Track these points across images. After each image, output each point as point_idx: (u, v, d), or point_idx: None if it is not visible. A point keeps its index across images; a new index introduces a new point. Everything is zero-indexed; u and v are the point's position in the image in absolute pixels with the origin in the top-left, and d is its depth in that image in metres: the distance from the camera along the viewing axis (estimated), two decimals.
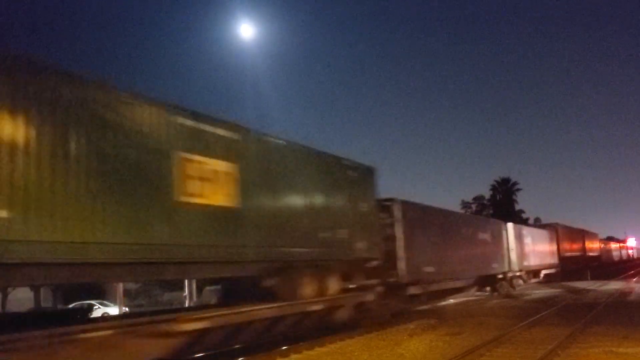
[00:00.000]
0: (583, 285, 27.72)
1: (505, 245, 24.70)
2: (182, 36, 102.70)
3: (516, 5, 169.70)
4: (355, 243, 12.45)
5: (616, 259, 68.92)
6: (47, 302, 21.09)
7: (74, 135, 6.62)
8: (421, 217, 16.81)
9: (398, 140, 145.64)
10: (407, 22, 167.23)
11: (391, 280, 14.54)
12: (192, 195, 8.23)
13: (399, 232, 15.08)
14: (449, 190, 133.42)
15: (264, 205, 10.00)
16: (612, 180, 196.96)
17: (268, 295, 10.28)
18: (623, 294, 22.05)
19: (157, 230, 7.61)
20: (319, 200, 11.65)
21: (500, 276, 23.84)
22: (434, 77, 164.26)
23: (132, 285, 26.55)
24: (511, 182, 60.42)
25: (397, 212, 15.22)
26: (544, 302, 19.66)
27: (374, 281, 13.56)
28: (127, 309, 22.24)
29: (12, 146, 5.96)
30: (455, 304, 20.41)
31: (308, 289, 11.15)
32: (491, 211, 56.02)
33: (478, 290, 23.07)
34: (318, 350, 10.88)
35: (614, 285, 27.33)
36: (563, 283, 30.10)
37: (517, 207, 59.42)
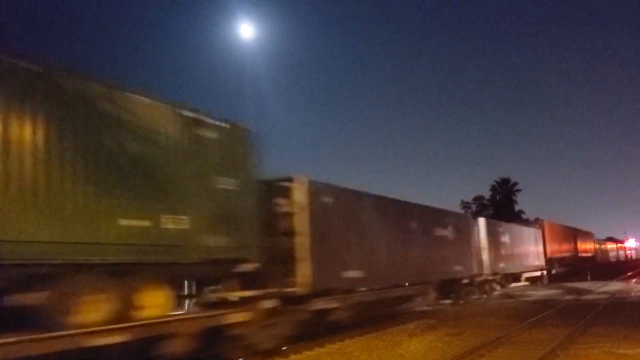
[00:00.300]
0: (583, 286, 27.70)
1: (474, 244, 21.16)
2: (182, 36, 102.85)
3: (516, 5, 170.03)
4: (205, 237, 8.51)
5: (613, 260, 64.92)
6: None
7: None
8: (342, 204, 12.69)
9: (398, 140, 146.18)
10: (407, 22, 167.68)
11: (288, 290, 10.49)
12: None
13: (301, 223, 10.97)
14: (449, 191, 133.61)
15: None
16: (613, 181, 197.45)
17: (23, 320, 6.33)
18: (623, 295, 22.04)
19: None
20: (121, 161, 7.32)
21: (465, 281, 20.20)
22: (434, 77, 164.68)
23: None
24: (511, 183, 60.38)
25: (299, 196, 11.10)
26: (544, 302, 19.64)
27: (252, 293, 9.54)
28: None
29: None
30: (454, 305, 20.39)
31: (93, 310, 6.93)
32: (491, 211, 55.99)
33: (441, 299, 18.96)
34: (317, 350, 10.88)
35: (614, 286, 27.30)
36: (563, 284, 30.10)
37: (517, 207, 59.36)
